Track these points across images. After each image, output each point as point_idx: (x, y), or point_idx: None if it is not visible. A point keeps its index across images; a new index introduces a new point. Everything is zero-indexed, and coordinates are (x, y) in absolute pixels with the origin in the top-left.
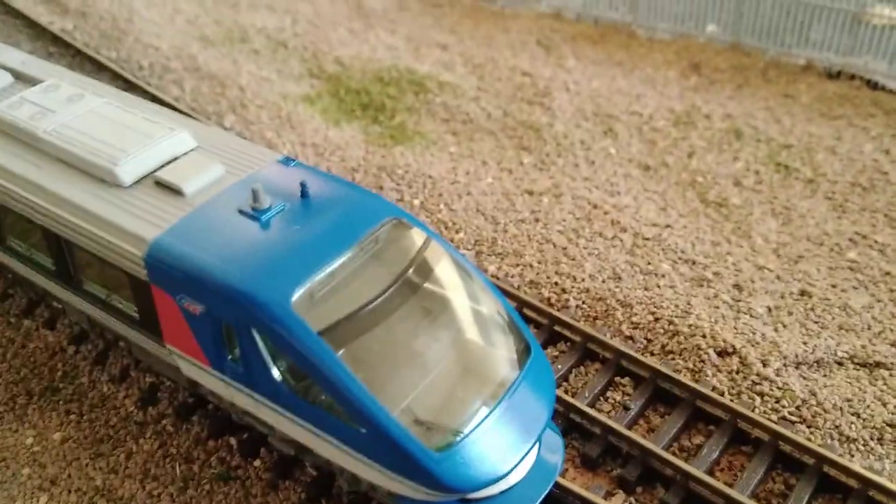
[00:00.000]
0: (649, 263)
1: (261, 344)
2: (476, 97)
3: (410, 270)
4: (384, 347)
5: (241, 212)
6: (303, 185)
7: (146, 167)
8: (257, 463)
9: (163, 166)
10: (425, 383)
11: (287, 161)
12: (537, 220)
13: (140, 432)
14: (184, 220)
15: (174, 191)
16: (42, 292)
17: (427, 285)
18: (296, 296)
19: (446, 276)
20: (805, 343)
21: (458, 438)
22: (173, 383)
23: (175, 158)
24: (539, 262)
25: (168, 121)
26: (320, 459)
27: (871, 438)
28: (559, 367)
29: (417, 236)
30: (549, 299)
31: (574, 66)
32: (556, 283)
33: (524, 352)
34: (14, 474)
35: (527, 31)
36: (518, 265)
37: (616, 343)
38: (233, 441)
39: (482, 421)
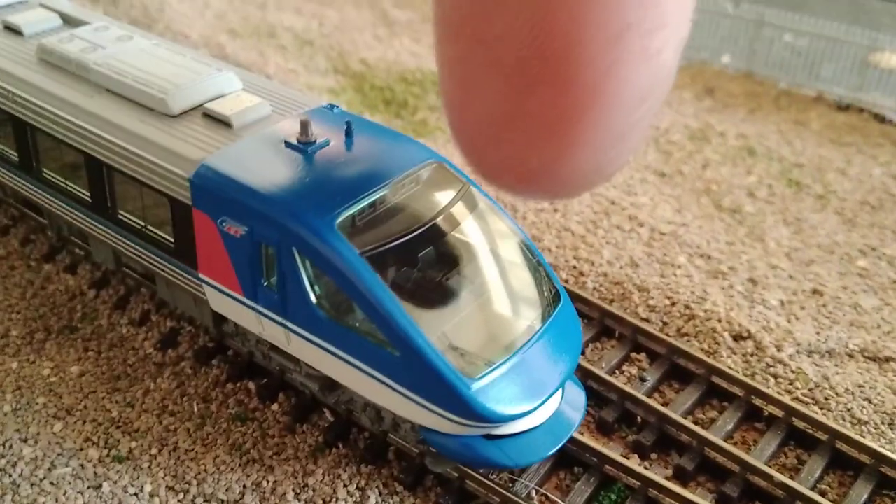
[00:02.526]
0: (665, 255)
1: (300, 266)
2: None
3: (448, 211)
4: (421, 278)
5: (287, 143)
6: (348, 125)
7: (195, 100)
8: (275, 407)
9: (211, 101)
10: (459, 317)
11: (331, 107)
12: (556, 211)
13: (158, 372)
14: (231, 148)
15: (222, 122)
16: (68, 233)
17: (465, 226)
18: (339, 219)
19: (484, 219)
20: (818, 334)
21: (489, 370)
22: (194, 328)
23: (223, 95)
24: (558, 247)
25: (216, 64)
26: (344, 397)
27: (882, 423)
28: None
29: (457, 180)
30: (567, 281)
31: None
32: (574, 267)
33: (554, 299)
34: (29, 402)
35: None
36: (537, 249)
37: (633, 319)
38: (251, 385)
39: (511, 357)
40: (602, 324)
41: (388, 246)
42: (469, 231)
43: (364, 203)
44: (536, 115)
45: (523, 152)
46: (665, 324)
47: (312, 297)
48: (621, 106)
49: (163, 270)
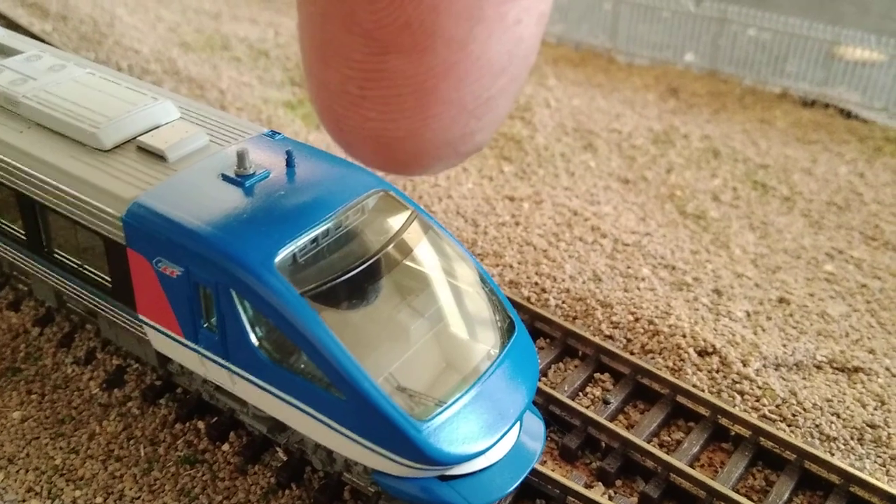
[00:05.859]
0: (629, 267)
1: (239, 308)
2: None
3: (396, 242)
4: (366, 316)
5: (224, 177)
6: (288, 154)
7: (128, 132)
8: (225, 447)
9: (145, 133)
10: (408, 354)
11: (273, 134)
12: (518, 224)
13: (104, 414)
14: (165, 184)
15: (156, 156)
16: (10, 269)
17: (412, 258)
18: (278, 258)
19: (432, 249)
20: (784, 346)
21: (441, 409)
22: (141, 366)
23: (158, 126)
24: (519, 263)
25: (152, 92)
26: (294, 438)
27: (851, 438)
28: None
29: (404, 209)
30: (529, 298)
31: (555, 85)
32: (536, 283)
33: (508, 329)
34: None
35: None
36: (498, 265)
37: (596, 339)
38: (201, 425)
39: (464, 394)
40: (565, 343)
41: (331, 283)
42: (417, 262)
43: (305, 238)
44: (393, 80)
45: (381, 119)
46: (629, 340)
47: (254, 340)
48: (479, 76)
49: (103, 310)
